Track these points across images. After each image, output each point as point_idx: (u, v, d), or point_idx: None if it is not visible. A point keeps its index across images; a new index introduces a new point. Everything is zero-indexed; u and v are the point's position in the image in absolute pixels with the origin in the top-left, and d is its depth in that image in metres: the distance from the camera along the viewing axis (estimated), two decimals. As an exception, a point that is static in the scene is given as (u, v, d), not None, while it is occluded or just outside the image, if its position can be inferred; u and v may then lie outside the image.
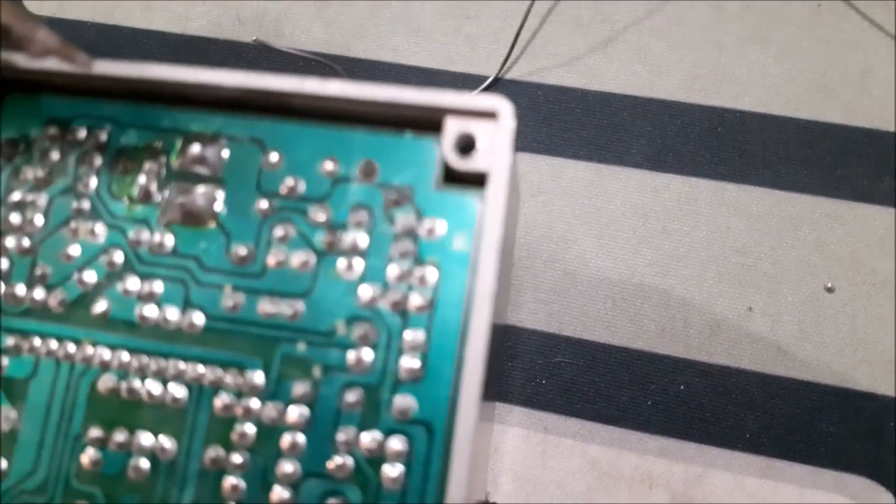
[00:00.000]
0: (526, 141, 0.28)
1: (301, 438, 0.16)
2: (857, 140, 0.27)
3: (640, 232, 0.27)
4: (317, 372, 0.17)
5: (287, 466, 0.16)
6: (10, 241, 0.18)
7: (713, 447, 0.25)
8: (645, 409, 0.25)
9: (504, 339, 0.26)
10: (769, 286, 0.26)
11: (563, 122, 0.28)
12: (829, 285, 0.26)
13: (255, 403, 0.17)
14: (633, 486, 0.25)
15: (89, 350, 0.17)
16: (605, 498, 0.24)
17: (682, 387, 0.25)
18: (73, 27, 0.31)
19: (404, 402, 0.16)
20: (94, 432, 0.17)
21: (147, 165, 0.18)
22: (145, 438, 0.17)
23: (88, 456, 0.17)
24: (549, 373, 0.26)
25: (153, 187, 0.18)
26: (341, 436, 0.16)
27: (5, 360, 0.18)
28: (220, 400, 0.17)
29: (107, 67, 0.18)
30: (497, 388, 0.25)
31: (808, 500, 0.24)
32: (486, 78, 0.29)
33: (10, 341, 0.18)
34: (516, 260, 0.27)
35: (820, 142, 0.27)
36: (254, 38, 0.30)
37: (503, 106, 0.17)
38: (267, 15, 0.30)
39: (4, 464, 0.17)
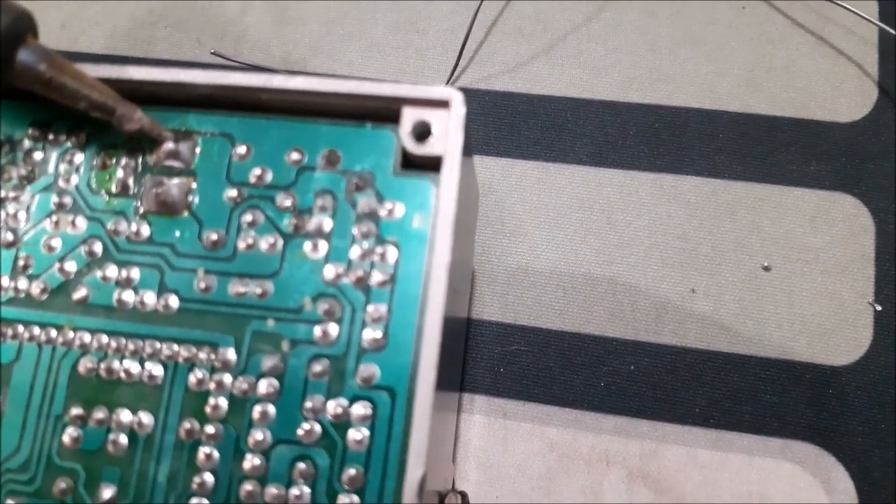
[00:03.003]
0: (476, 144, 0.29)
1: (271, 408, 0.17)
2: (784, 129, 0.29)
3: (586, 224, 0.28)
4: (285, 346, 0.18)
5: (258, 435, 0.17)
6: (-6, 236, 0.19)
7: (665, 423, 0.26)
8: (599, 390, 0.26)
9: (465, 332, 0.27)
10: (710, 268, 0.27)
11: (511, 125, 0.29)
12: (766, 264, 0.27)
13: (227, 378, 0.17)
14: (591, 464, 0.25)
15: (70, 334, 0.18)
16: (565, 478, 0.25)
17: (632, 367, 0.26)
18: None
19: (368, 370, 0.17)
20: (75, 411, 0.18)
21: (124, 161, 0.19)
22: (124, 415, 0.18)
23: (69, 434, 0.18)
24: (507, 361, 0.27)
25: (130, 181, 0.19)
26: (308, 404, 0.17)
27: (-10, 348, 0.18)
28: (195, 376, 0.18)
29: (86, 69, 0.18)
30: (458, 379, 0.26)
31: (756, 467, 0.25)
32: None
33: (-6, 330, 0.18)
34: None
35: (750, 132, 0.29)
36: (211, 50, 0.31)
37: (455, 95, 0.18)
38: (226, 36, 0.31)
39: (-13, 445, 0.18)
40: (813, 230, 0.27)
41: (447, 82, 0.30)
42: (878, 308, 0.26)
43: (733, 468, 0.25)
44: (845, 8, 0.29)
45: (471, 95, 0.30)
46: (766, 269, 0.27)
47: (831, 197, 0.28)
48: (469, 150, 0.19)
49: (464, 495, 0.22)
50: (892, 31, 0.29)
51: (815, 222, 0.27)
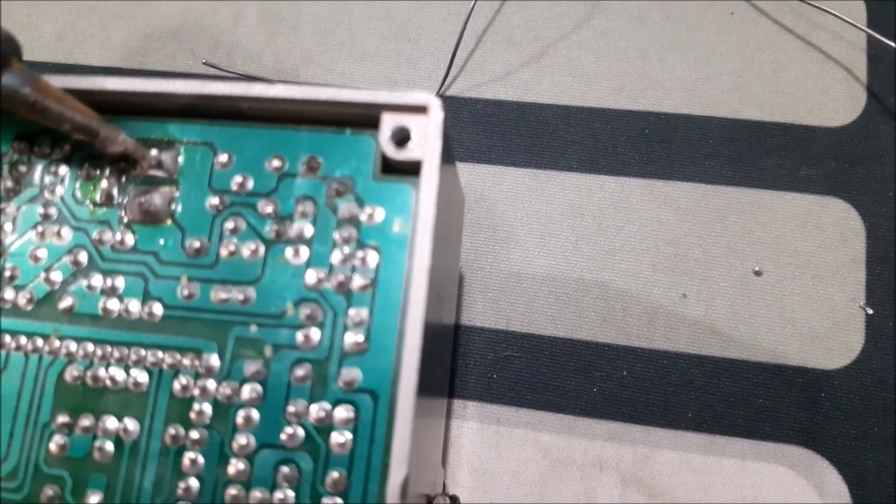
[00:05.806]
0: (468, 152, 0.29)
1: (254, 413, 0.17)
2: (773, 134, 0.29)
3: (577, 230, 0.28)
4: (268, 351, 0.18)
5: (242, 439, 0.17)
6: (-21, 248, 0.19)
7: (658, 428, 0.26)
8: (591, 395, 0.26)
9: (453, 338, 0.27)
10: (701, 273, 0.27)
11: (502, 133, 0.30)
12: (757, 269, 0.27)
13: (211, 384, 0.18)
14: (584, 470, 0.25)
15: (56, 343, 0.18)
16: (559, 484, 0.25)
17: (624, 372, 0.26)
18: (35, 69, 0.32)
19: (350, 373, 0.17)
20: (61, 419, 0.18)
21: (109, 172, 0.19)
22: (109, 422, 0.18)
23: (56, 442, 0.18)
24: (500, 367, 0.27)
25: (115, 191, 0.19)
26: (291, 408, 0.17)
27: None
28: (179, 382, 0.18)
29: (66, 81, 0.19)
30: (446, 384, 0.26)
31: (749, 471, 0.25)
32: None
33: (-21, 340, 0.18)
34: (465, 262, 0.28)
35: (740, 138, 0.29)
36: (203, 60, 0.31)
37: (432, 100, 0.18)
38: (219, 47, 0.32)
39: (-25, 454, 0.18)
40: (803, 234, 0.27)
41: (438, 91, 0.30)
42: (870, 311, 0.26)
43: (726, 472, 0.25)
44: (833, 14, 0.29)
45: (462, 104, 0.30)
46: (758, 273, 0.27)
47: (821, 201, 0.28)
48: (450, 154, 0.19)
49: (454, 499, 0.22)
50: (880, 37, 0.29)
51: (805, 227, 0.27)
